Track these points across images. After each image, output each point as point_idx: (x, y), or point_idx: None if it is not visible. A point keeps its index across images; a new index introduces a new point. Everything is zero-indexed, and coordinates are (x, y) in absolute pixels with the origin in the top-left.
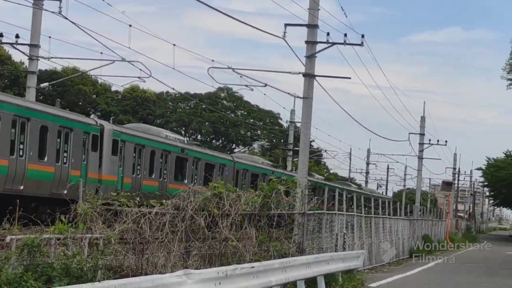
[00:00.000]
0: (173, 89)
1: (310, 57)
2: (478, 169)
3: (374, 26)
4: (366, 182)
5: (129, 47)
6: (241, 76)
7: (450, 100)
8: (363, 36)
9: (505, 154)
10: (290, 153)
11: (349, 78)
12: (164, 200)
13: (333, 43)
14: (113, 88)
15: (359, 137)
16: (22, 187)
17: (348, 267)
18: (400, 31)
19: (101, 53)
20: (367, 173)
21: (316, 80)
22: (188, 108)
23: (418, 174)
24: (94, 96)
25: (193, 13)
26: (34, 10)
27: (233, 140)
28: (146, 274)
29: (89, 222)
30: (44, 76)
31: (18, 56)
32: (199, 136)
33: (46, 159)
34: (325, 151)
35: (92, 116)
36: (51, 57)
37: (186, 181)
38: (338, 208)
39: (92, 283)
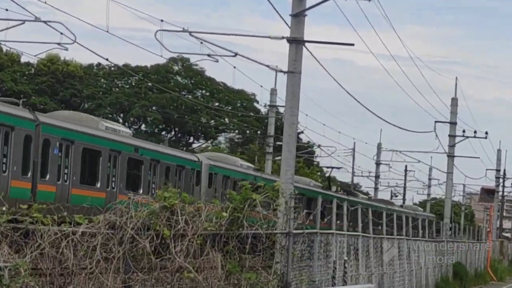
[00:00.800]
0: (107, 60)
1: (298, 15)
2: None
3: None
4: (376, 189)
5: (45, 2)
6: (201, 43)
7: (492, 76)
8: None
9: None
10: (270, 149)
11: (352, 45)
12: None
13: None
14: (23, 59)
15: (365, 127)
16: None
17: None
18: None
19: (6, 9)
20: (377, 177)
21: (306, 48)
22: (128, 87)
23: (448, 179)
24: None
25: None
26: None
27: (191, 131)
28: None
29: None
30: None
31: None
32: (143, 126)
33: None
34: (319, 146)
35: None
36: None
37: (141, 191)
38: (338, 226)
39: None
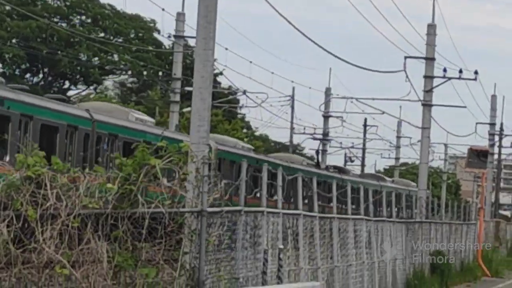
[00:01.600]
0: None
1: None
2: None
3: None
4: (324, 151)
5: None
6: None
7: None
8: None
9: None
10: (177, 97)
11: None
12: None
13: None
14: None
15: (309, 66)
16: None
17: None
18: None
19: None
20: (325, 134)
21: None
22: None
23: (423, 136)
24: None
25: None
26: None
27: (66, 73)
28: None
29: None
30: None
31: None
32: None
33: None
34: (244, 93)
35: None
36: None
37: (7, 159)
38: (268, 202)
39: None
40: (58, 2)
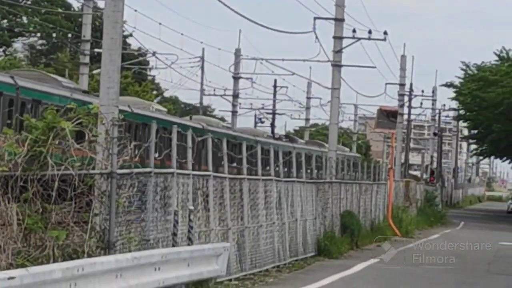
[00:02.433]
0: None
1: None
2: (447, 85)
3: None
4: (234, 112)
5: None
6: None
7: None
8: None
9: (498, 55)
10: (86, 58)
11: None
12: None
13: None
14: None
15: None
16: None
17: (198, 275)
18: None
19: None
20: (236, 96)
21: None
22: None
23: (333, 97)
24: None
25: None
26: None
27: None
28: None
29: None
30: None
31: None
32: None
33: None
34: (154, 54)
35: None
36: None
37: None
38: (180, 165)
39: None
40: None
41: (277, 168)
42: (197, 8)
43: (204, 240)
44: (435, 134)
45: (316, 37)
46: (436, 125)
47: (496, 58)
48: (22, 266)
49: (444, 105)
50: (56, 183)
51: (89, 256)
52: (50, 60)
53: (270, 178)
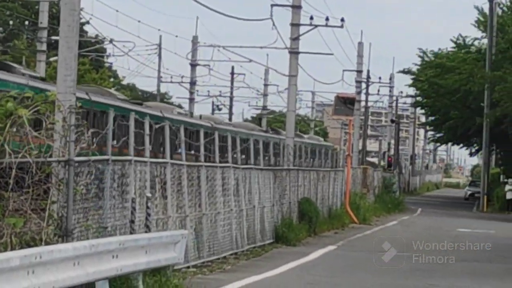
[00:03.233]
0: None
1: None
2: (404, 72)
3: None
4: (191, 100)
5: None
6: None
7: None
8: None
9: (455, 42)
10: (43, 46)
11: None
12: None
13: None
14: None
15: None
16: None
17: (155, 262)
18: None
19: None
20: (193, 83)
21: None
22: None
23: (290, 84)
24: None
25: None
26: None
27: None
28: None
29: None
30: None
31: None
32: None
33: None
34: (111, 41)
35: None
36: None
37: None
38: (138, 152)
39: None
40: None
41: (235, 155)
42: None
43: (162, 227)
44: (392, 121)
45: (273, 24)
46: (394, 112)
47: (453, 45)
48: None
49: (402, 92)
50: (14, 171)
51: (47, 243)
52: (7, 47)
53: (228, 165)
